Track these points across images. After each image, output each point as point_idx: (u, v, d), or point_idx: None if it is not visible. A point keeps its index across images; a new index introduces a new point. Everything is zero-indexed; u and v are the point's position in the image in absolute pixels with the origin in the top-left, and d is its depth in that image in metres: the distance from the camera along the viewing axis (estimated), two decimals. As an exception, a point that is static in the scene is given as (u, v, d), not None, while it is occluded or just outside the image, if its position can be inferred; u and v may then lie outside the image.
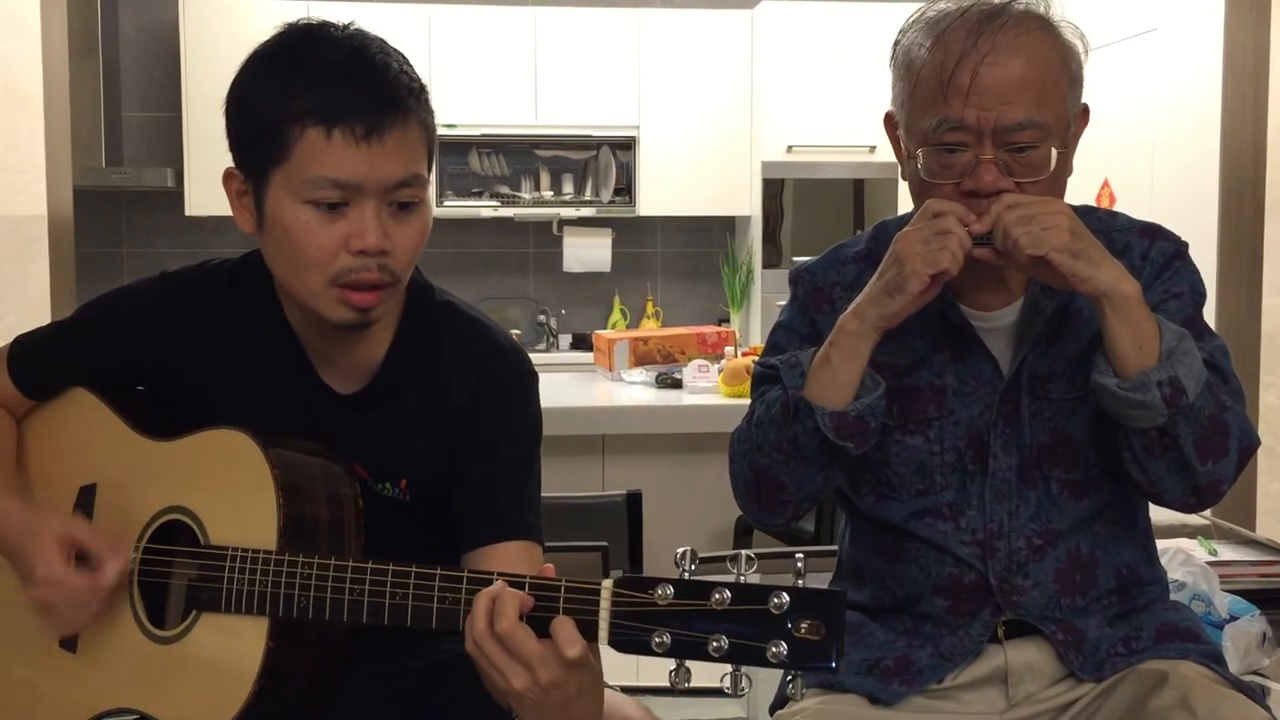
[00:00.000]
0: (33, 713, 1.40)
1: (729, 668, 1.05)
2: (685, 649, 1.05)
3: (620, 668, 1.47)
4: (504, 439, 1.38)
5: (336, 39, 1.29)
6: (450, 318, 1.42)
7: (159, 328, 1.42)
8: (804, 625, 1.02)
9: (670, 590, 1.06)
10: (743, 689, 1.04)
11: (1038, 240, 1.31)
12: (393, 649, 1.40)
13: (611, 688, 1.45)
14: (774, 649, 1.02)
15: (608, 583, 1.09)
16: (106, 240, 5.65)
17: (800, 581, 1.04)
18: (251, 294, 1.40)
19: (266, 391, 1.40)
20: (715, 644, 1.04)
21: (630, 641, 1.07)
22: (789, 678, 1.05)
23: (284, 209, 1.27)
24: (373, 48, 1.29)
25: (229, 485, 1.32)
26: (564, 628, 1.09)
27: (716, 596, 1.04)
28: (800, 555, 1.06)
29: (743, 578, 1.05)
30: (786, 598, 1.02)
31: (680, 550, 1.08)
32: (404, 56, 1.32)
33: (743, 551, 1.06)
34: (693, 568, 1.07)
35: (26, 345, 1.49)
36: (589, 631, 1.09)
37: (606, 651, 1.17)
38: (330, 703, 1.33)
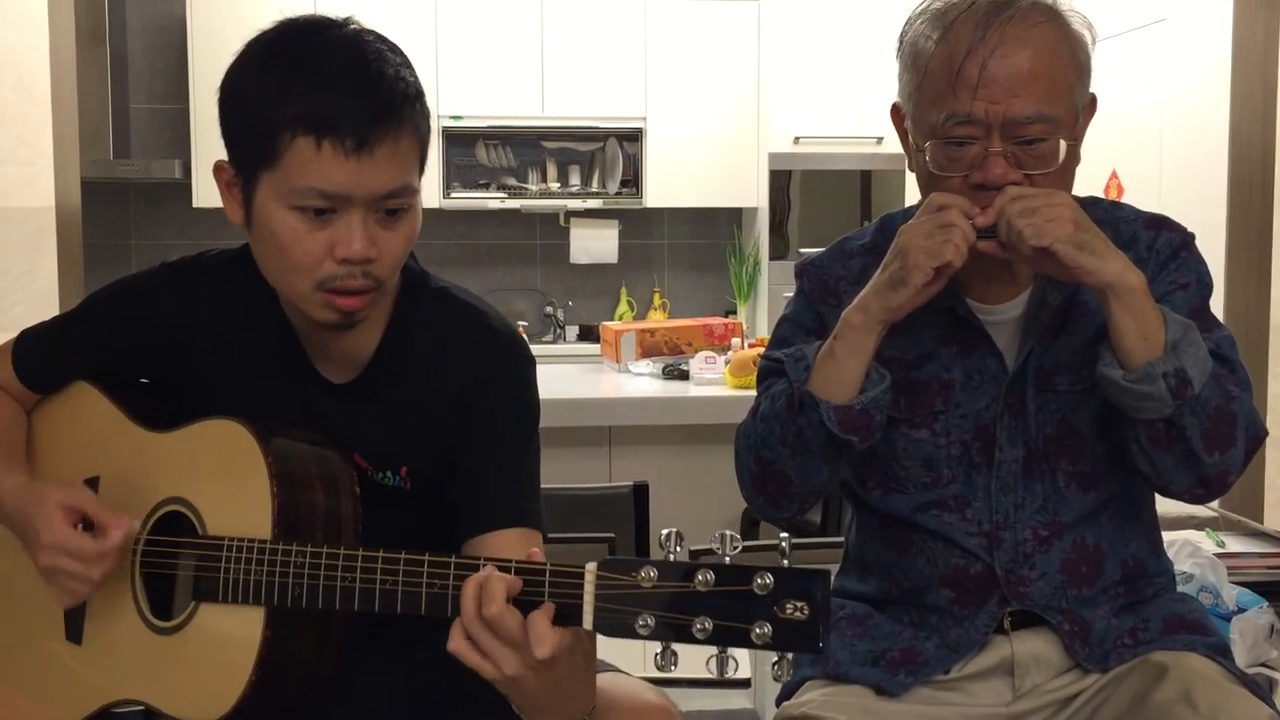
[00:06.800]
0: (40, 704, 1.40)
1: (715, 650, 1.03)
2: (669, 631, 1.02)
3: (629, 657, 1.47)
4: (502, 425, 1.37)
5: (333, 41, 1.26)
6: (445, 304, 1.41)
7: (158, 319, 1.42)
8: (789, 605, 1.00)
9: (654, 572, 1.03)
10: (728, 673, 1.02)
11: (1041, 232, 1.30)
12: (394, 640, 1.40)
13: (623, 673, 1.45)
14: (759, 630, 1.00)
15: (591, 565, 1.07)
16: (114, 232, 5.66)
17: (785, 562, 1.02)
18: (248, 284, 1.39)
19: (263, 381, 1.40)
20: (700, 626, 1.01)
21: (614, 625, 1.05)
22: (775, 660, 1.03)
23: (271, 213, 1.26)
24: (370, 52, 1.25)
25: (225, 475, 1.32)
26: (536, 624, 1.07)
27: (700, 578, 1.02)
28: (785, 535, 1.04)
29: (727, 557, 1.03)
30: (770, 578, 1.00)
31: (665, 531, 1.06)
32: (404, 58, 1.29)
33: (726, 531, 1.04)
34: (678, 549, 1.05)
35: (30, 340, 1.49)
36: (573, 615, 1.07)
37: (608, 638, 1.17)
38: (331, 693, 1.33)
